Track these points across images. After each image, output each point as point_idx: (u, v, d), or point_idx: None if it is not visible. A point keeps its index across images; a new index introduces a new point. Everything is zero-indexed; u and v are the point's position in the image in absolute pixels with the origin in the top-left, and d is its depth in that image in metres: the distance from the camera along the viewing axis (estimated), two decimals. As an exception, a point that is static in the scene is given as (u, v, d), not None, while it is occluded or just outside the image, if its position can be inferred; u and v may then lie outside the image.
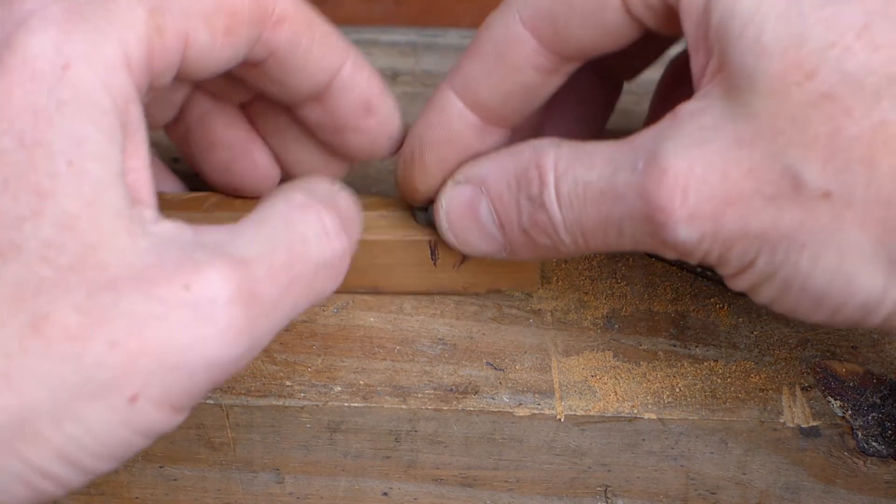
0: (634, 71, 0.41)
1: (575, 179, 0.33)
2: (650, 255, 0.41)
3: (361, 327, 0.40)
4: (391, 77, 0.51)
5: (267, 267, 0.30)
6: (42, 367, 0.27)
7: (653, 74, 0.41)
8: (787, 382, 0.38)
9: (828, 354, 0.39)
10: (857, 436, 0.37)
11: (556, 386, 0.38)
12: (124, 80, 0.29)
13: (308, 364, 0.39)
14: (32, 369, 0.27)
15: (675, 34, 0.32)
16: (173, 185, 0.42)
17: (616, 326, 0.40)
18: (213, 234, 0.30)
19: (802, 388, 0.38)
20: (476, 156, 0.36)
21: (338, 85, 0.36)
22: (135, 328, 0.27)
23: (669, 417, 0.37)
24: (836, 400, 0.38)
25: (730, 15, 0.30)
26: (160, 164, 0.42)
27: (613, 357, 0.39)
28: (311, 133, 0.39)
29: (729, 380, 0.38)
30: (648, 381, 0.38)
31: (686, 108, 0.31)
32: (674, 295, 0.41)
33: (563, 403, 0.38)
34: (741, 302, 0.40)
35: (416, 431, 0.38)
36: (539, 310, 0.40)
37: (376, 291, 0.40)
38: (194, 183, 0.42)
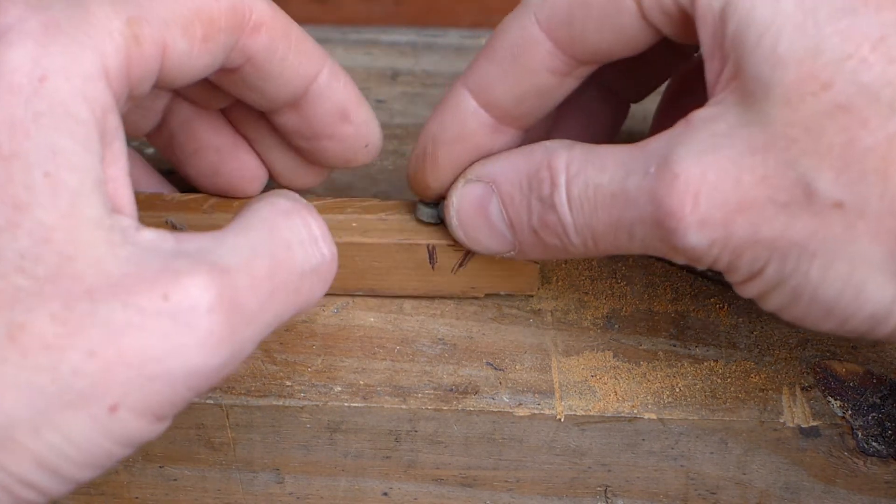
0: (641, 93, 0.41)
1: (586, 182, 0.33)
2: (652, 256, 0.41)
3: (361, 327, 0.40)
4: (391, 77, 0.51)
5: (249, 275, 0.29)
6: (19, 377, 0.27)
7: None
8: (787, 382, 0.38)
9: (828, 354, 0.39)
10: (857, 436, 0.37)
11: (556, 386, 0.38)
12: (102, 91, 0.29)
13: (308, 364, 0.39)
14: (9, 378, 0.27)
15: (690, 41, 0.32)
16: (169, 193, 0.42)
17: (616, 326, 0.40)
18: (196, 241, 0.30)
19: (802, 388, 0.38)
20: (488, 155, 0.37)
21: (314, 92, 0.36)
22: (112, 337, 0.27)
23: (669, 417, 0.37)
24: (836, 400, 0.38)
25: (746, 24, 0.30)
26: (155, 173, 0.42)
27: (613, 357, 0.39)
28: (289, 140, 0.39)
29: (729, 380, 0.38)
30: (648, 381, 0.38)
31: (699, 115, 0.31)
32: (674, 295, 0.41)
33: (563, 403, 0.38)
34: (741, 302, 0.40)
35: (416, 431, 0.38)
36: (539, 310, 0.40)
37: (374, 294, 0.40)
38: (191, 191, 0.42)
